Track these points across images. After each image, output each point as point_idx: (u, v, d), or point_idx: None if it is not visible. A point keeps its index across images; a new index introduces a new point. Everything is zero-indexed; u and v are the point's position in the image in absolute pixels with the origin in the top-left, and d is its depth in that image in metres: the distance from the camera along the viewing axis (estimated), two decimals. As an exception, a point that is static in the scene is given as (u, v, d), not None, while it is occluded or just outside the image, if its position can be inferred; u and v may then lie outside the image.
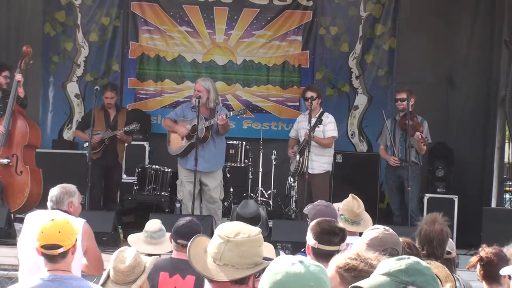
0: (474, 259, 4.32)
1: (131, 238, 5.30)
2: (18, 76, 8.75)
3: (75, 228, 3.81)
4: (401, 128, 9.24)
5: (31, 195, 8.75)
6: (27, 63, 8.95)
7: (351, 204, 5.24)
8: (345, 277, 2.68)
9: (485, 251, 4.27)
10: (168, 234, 4.93)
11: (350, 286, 2.30)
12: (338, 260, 2.75)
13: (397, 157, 9.21)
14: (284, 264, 2.14)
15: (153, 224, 5.22)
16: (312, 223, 3.97)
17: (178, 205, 9.41)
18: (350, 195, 5.32)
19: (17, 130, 8.85)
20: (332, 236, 3.86)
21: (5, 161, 8.73)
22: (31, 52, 8.99)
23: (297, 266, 2.12)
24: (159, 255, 4.84)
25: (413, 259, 2.26)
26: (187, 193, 8.99)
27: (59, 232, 3.66)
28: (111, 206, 9.69)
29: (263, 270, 2.22)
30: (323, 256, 3.73)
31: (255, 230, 2.69)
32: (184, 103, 9.80)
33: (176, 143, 9.11)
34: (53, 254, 3.64)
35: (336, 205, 5.25)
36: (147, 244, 5.05)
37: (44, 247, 3.65)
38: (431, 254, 4.45)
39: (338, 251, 3.79)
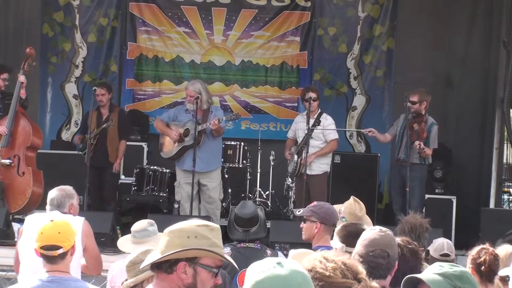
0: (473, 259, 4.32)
1: (121, 240, 5.27)
2: (22, 78, 8.73)
3: (74, 229, 3.81)
4: (409, 129, 9.16)
5: (32, 196, 8.73)
6: (30, 65, 8.94)
7: (353, 207, 5.17)
8: None
9: (483, 251, 4.28)
10: (155, 235, 4.90)
11: (408, 276, 2.44)
12: (306, 261, 2.82)
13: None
14: (263, 266, 2.10)
15: (139, 224, 5.17)
16: (338, 227, 4.10)
17: (176, 206, 9.40)
18: (352, 197, 5.25)
19: (20, 131, 8.83)
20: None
21: (7, 161, 8.72)
22: (34, 54, 8.98)
23: (277, 268, 2.08)
24: None
25: (465, 269, 2.42)
26: (185, 194, 8.98)
27: (59, 233, 3.66)
28: (106, 206, 9.63)
29: None
30: None
31: None
32: (178, 106, 9.80)
33: (168, 145, 9.12)
34: (53, 255, 3.64)
35: (337, 207, 5.19)
36: (131, 243, 5.05)
37: (44, 248, 3.65)
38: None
39: None
